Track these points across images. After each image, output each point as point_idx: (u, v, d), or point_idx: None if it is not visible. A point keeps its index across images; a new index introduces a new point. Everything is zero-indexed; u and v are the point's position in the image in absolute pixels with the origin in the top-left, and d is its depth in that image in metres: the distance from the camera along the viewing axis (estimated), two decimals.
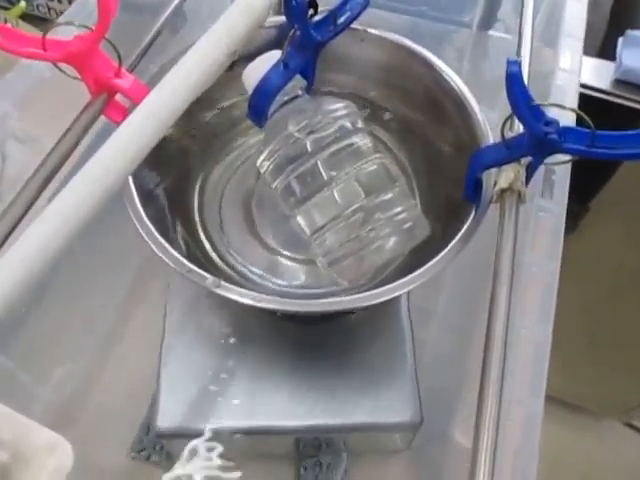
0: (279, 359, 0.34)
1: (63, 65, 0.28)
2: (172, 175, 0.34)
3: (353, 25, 0.36)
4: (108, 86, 0.29)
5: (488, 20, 0.46)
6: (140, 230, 0.27)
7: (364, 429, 0.32)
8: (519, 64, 0.22)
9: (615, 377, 0.85)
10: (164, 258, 0.26)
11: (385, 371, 0.33)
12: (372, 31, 0.36)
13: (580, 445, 0.97)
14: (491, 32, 0.46)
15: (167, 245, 0.27)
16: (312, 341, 0.34)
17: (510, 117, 0.27)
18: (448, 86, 0.34)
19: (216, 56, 0.23)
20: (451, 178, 0.35)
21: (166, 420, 0.32)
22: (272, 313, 0.34)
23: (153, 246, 0.26)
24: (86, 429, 0.39)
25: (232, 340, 0.34)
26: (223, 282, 0.25)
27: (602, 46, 0.62)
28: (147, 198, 0.31)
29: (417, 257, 0.31)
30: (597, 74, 0.54)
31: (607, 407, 0.95)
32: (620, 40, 0.55)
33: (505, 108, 0.33)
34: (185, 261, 0.26)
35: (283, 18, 0.36)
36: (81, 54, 0.27)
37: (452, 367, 0.37)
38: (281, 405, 0.32)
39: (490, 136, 0.31)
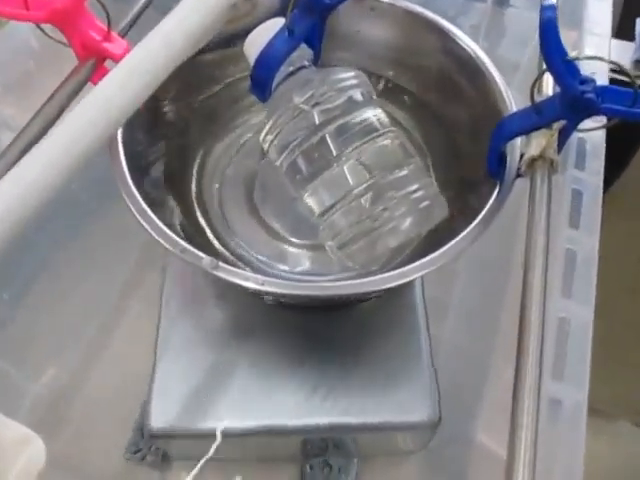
0: (284, 353, 0.31)
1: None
2: (169, 153, 0.32)
3: None
4: (96, 50, 0.26)
5: None
6: (130, 206, 0.24)
7: (377, 429, 0.29)
8: (555, 9, 0.20)
9: (631, 377, 0.82)
10: (155, 236, 0.23)
11: (399, 366, 0.30)
12: None
13: (592, 447, 0.94)
14: (508, 8, 0.44)
15: (160, 223, 0.24)
16: (319, 333, 0.31)
17: (539, 78, 0.24)
18: (465, 55, 0.32)
19: (215, 3, 0.21)
20: (469, 157, 0.32)
21: (160, 420, 0.30)
22: (277, 302, 0.31)
23: (143, 222, 0.23)
24: (79, 428, 0.36)
25: (233, 333, 0.32)
26: (221, 263, 0.23)
27: (618, 27, 0.59)
28: (141, 176, 0.28)
29: (434, 241, 0.28)
30: (616, 55, 0.51)
31: (621, 408, 0.92)
32: (638, 21, 0.53)
33: (523, 87, 0.30)
34: (179, 239, 0.23)
35: None
36: (67, 12, 0.25)
37: (470, 362, 0.35)
38: (286, 403, 0.29)
39: (514, 105, 0.28)
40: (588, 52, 0.34)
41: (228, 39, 0.35)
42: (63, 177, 0.17)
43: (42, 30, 0.26)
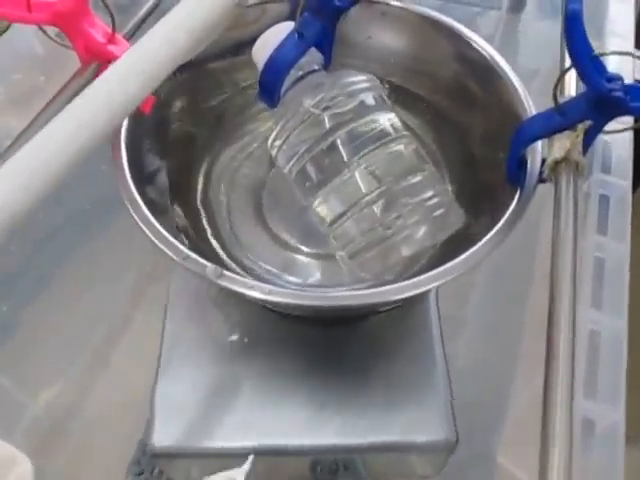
0: (292, 369, 0.30)
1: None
2: (175, 161, 0.31)
3: None
4: (100, 53, 0.26)
5: (520, 1, 0.42)
6: (132, 212, 0.23)
7: (389, 449, 0.27)
8: (581, 1, 0.19)
9: None
10: (157, 243, 0.22)
11: (413, 382, 0.28)
12: (394, 3, 0.33)
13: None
14: (523, 15, 0.43)
15: (162, 230, 0.23)
16: (329, 348, 0.30)
17: (561, 77, 0.23)
18: (481, 60, 0.30)
19: (219, 1, 0.20)
20: (485, 163, 0.31)
21: (163, 438, 0.28)
22: (285, 315, 0.30)
23: (145, 228, 0.22)
24: (80, 448, 0.35)
25: (238, 348, 0.30)
26: (226, 272, 0.22)
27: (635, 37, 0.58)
28: (145, 184, 0.27)
29: (450, 251, 0.27)
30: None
31: None
32: None
33: (541, 95, 0.29)
34: (182, 247, 0.22)
35: None
36: (70, 14, 0.24)
37: (488, 380, 0.33)
38: (294, 421, 0.28)
39: (533, 108, 0.27)
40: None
41: (237, 46, 0.34)
42: (57, 174, 0.16)
43: (45, 33, 0.26)
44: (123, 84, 0.17)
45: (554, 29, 0.45)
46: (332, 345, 0.30)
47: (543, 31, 0.44)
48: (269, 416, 0.28)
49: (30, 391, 0.35)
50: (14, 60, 0.34)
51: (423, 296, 0.31)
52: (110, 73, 0.18)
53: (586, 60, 0.20)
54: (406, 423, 0.27)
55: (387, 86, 0.35)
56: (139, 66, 0.17)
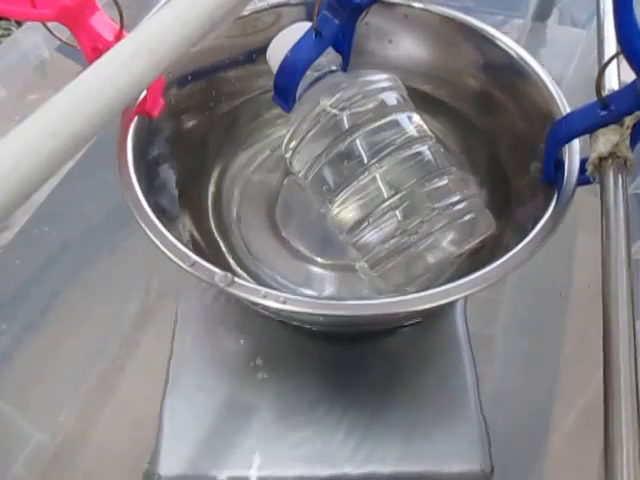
0: (310, 391, 0.27)
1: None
2: (186, 167, 0.29)
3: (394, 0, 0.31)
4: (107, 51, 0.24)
5: (545, 9, 0.41)
6: (137, 216, 0.21)
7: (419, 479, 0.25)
8: None
9: None
10: (163, 248, 0.20)
11: (444, 406, 0.26)
12: (417, 4, 0.31)
13: None
14: (548, 23, 0.41)
15: (168, 234, 0.21)
16: (351, 369, 0.28)
17: (603, 69, 0.21)
18: (510, 59, 0.29)
19: None
20: (515, 167, 0.29)
21: (169, 467, 0.26)
22: (301, 331, 0.27)
23: (150, 233, 0.21)
24: (84, 477, 0.33)
25: (251, 370, 0.28)
26: (237, 279, 0.20)
27: None
28: (154, 190, 0.26)
29: (480, 260, 0.25)
30: None
31: None
32: None
33: (568, 101, 0.27)
34: (189, 252, 0.20)
35: None
36: (76, 9, 0.23)
37: (523, 406, 0.30)
38: (312, 449, 0.25)
39: (567, 106, 0.25)
40: None
41: (252, 52, 0.33)
42: (49, 162, 0.14)
43: (49, 30, 0.24)
44: (128, 63, 0.16)
45: (579, 37, 0.44)
46: (353, 365, 0.27)
47: (567, 39, 0.42)
48: (283, 443, 0.26)
49: (33, 419, 0.33)
50: (21, 63, 0.33)
51: (450, 311, 0.28)
52: (114, 52, 0.16)
53: (637, 44, 0.18)
54: (437, 451, 0.24)
55: (408, 92, 0.33)
56: (146, 45, 0.16)
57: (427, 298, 0.20)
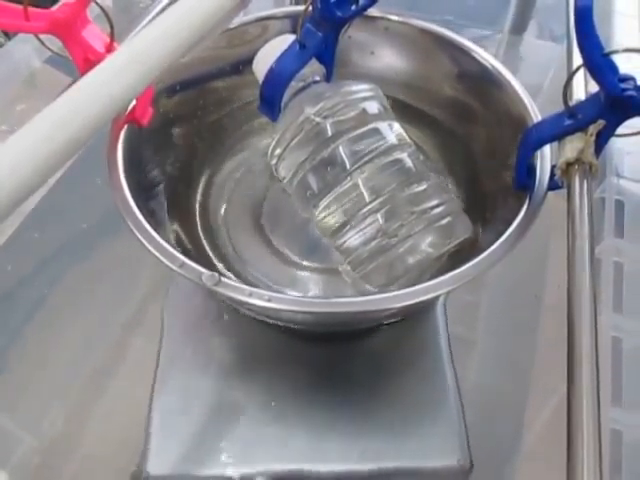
0: (294, 390, 0.28)
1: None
2: (174, 174, 0.30)
3: (375, 13, 0.32)
4: (99, 62, 0.25)
5: (522, 22, 0.42)
6: (125, 218, 0.22)
7: (400, 475, 0.25)
8: None
9: None
10: (151, 249, 0.21)
11: (424, 403, 0.27)
12: (397, 18, 0.33)
13: None
14: (526, 36, 0.43)
15: (157, 236, 0.22)
16: (333, 367, 0.28)
17: (570, 79, 0.22)
18: (483, 70, 0.30)
19: None
20: (489, 172, 0.30)
21: (158, 466, 0.26)
22: (286, 331, 0.28)
23: (139, 234, 0.21)
24: None
25: (239, 368, 0.29)
26: (224, 278, 0.20)
27: None
28: (143, 196, 0.26)
29: (457, 263, 0.26)
30: None
31: None
32: None
33: (544, 112, 0.29)
34: (177, 254, 0.21)
35: (295, 8, 0.33)
36: (68, 22, 0.24)
37: (500, 404, 0.31)
38: (297, 447, 0.26)
39: (538, 114, 0.26)
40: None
41: (238, 64, 0.34)
42: (45, 166, 0.15)
43: (42, 42, 0.25)
44: (121, 73, 0.17)
45: (554, 50, 0.46)
46: (336, 364, 0.28)
47: (544, 53, 0.44)
48: (270, 441, 0.26)
49: (20, 423, 0.34)
50: (11, 74, 0.34)
51: (431, 312, 0.29)
52: (108, 63, 0.17)
53: (599, 58, 0.19)
54: (418, 447, 0.25)
55: (389, 101, 0.34)
56: (137, 56, 0.17)
57: (407, 295, 0.21)
